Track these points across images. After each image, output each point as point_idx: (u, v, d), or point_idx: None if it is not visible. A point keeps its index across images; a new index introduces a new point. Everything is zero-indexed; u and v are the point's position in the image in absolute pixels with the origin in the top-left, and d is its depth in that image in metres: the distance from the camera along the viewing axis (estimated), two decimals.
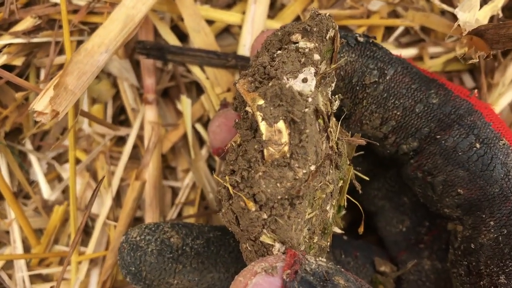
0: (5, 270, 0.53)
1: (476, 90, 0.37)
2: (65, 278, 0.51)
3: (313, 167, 0.29)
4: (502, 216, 0.34)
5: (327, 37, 0.32)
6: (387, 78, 0.36)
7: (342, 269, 0.30)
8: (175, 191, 0.54)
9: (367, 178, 0.39)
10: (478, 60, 0.39)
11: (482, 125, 0.35)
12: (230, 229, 0.31)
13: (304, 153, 0.28)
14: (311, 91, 0.29)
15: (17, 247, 0.51)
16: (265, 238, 0.30)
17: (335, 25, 0.33)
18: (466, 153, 0.35)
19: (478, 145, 0.35)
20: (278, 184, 0.28)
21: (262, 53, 0.32)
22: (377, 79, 0.36)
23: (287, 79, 0.28)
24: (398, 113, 0.36)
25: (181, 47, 0.50)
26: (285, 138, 0.28)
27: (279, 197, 0.29)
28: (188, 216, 0.51)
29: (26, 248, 0.52)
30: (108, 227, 0.51)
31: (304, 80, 0.29)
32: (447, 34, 0.52)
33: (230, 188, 0.29)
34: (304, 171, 0.28)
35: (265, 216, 0.29)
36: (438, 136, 0.36)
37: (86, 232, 0.53)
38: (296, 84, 0.28)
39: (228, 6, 0.54)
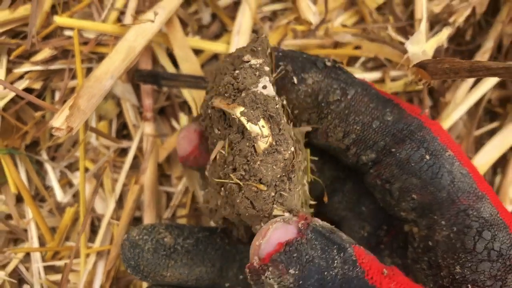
0: (23, 263, 0.59)
1: (426, 110, 0.42)
2: (75, 269, 0.58)
3: (292, 148, 0.36)
4: (450, 216, 0.37)
5: (267, 54, 0.39)
6: (348, 97, 0.39)
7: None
8: (169, 196, 0.60)
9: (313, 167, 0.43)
10: (422, 86, 0.46)
11: (430, 139, 0.38)
12: (247, 214, 0.35)
13: (284, 139, 0.35)
14: (273, 92, 0.36)
15: (34, 243, 0.58)
16: (277, 211, 0.34)
17: (270, 44, 0.40)
18: (417, 163, 0.38)
19: (427, 157, 0.38)
20: (275, 167, 0.34)
21: (221, 77, 0.38)
22: (339, 98, 0.39)
23: (255, 88, 0.35)
24: (358, 128, 0.39)
25: (173, 74, 0.56)
26: (267, 131, 0.35)
27: (278, 176, 0.35)
28: (180, 216, 0.58)
29: (42, 244, 0.59)
30: (112, 226, 0.57)
31: (264, 87, 0.36)
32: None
33: (238, 182, 0.34)
34: (289, 152, 0.35)
35: (273, 194, 0.34)
36: (393, 149, 0.39)
37: (93, 230, 0.59)
38: (263, 90, 0.35)
39: (216, 37, 0.61)
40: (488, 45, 0.60)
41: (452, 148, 0.39)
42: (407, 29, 0.60)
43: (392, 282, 0.33)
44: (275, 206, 0.35)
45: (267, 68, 0.37)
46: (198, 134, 0.44)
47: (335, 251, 0.31)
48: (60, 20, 0.53)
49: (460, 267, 0.36)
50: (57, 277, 0.59)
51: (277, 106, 0.36)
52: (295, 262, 0.30)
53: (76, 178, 0.60)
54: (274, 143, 0.35)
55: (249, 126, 0.34)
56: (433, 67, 0.38)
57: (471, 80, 0.59)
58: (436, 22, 0.60)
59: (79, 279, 0.57)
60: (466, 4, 0.57)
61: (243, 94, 0.35)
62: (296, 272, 0.30)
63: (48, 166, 0.59)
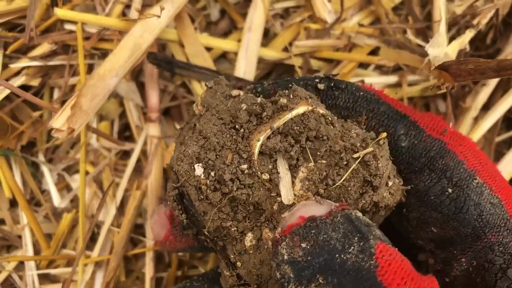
0: (16, 272, 0.56)
1: (451, 123, 0.37)
2: (72, 279, 0.55)
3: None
4: (473, 253, 0.34)
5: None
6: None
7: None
8: None
9: None
10: (446, 90, 0.43)
11: (455, 165, 0.34)
12: None
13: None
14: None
15: (28, 250, 0.55)
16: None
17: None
18: (438, 197, 0.34)
19: (450, 190, 0.34)
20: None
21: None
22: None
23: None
24: None
25: (189, 63, 0.54)
26: None
27: None
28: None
29: (36, 252, 0.56)
30: (112, 233, 0.55)
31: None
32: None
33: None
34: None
35: None
36: (408, 178, 0.35)
37: (92, 238, 0.56)
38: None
39: (225, 34, 0.59)
40: (510, 49, 0.58)
41: (482, 172, 0.35)
42: (424, 31, 0.57)
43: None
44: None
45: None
46: (169, 218, 0.41)
47: (356, 238, 0.30)
48: (61, 12, 0.50)
49: None
50: (52, 286, 0.56)
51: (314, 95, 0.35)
52: (311, 238, 0.30)
53: (74, 181, 0.57)
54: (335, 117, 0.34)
55: (324, 110, 0.33)
56: (457, 68, 0.36)
57: (492, 85, 0.57)
58: (454, 24, 0.58)
59: None
60: (491, 6, 0.54)
61: (284, 100, 0.33)
62: (308, 247, 0.30)
63: (44, 169, 0.57)
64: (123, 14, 0.54)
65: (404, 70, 0.57)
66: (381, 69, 0.58)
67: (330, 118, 0.33)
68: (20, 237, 0.56)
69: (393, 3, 0.59)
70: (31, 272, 0.55)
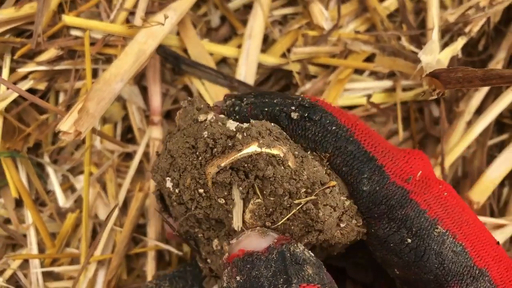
0: (21, 270, 0.57)
1: (420, 173, 0.35)
2: (74, 276, 0.56)
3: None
4: None
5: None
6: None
7: (322, 265, 0.33)
8: None
9: None
10: (437, 96, 0.44)
11: (415, 215, 0.34)
12: (331, 221, 0.34)
13: (296, 147, 0.36)
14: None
15: (33, 249, 0.56)
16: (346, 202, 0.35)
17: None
18: (398, 245, 0.34)
19: (409, 240, 0.34)
20: (315, 168, 0.34)
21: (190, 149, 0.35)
22: None
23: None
24: None
25: (195, 62, 0.56)
26: (285, 148, 0.34)
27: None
28: None
29: (41, 250, 0.57)
30: (115, 233, 0.56)
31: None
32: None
33: (312, 198, 0.33)
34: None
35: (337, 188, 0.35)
36: (368, 223, 0.35)
37: (94, 237, 0.57)
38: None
39: (225, 40, 0.60)
40: (501, 55, 0.60)
41: (446, 220, 0.34)
42: (418, 38, 0.59)
43: None
44: (342, 198, 0.35)
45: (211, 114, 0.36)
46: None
47: (281, 279, 0.31)
48: (69, 19, 0.51)
49: None
50: (56, 284, 0.57)
51: (279, 130, 0.35)
52: (245, 272, 0.31)
53: (79, 182, 0.58)
54: (296, 153, 0.34)
55: (275, 151, 0.33)
56: (446, 76, 0.36)
57: (485, 89, 0.59)
58: (446, 31, 0.59)
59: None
60: (483, 14, 0.56)
61: (240, 136, 0.33)
62: (241, 280, 0.31)
63: (50, 170, 0.58)
64: (127, 21, 0.55)
65: (397, 75, 0.59)
66: (376, 75, 0.60)
67: (282, 158, 0.33)
68: (25, 236, 0.57)
69: (388, 11, 0.60)
70: (36, 270, 0.56)
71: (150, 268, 0.55)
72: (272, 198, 0.34)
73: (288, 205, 0.34)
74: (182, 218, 0.38)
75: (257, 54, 0.57)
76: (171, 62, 0.56)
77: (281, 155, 0.33)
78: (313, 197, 0.33)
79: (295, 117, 0.35)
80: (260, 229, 0.34)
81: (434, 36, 0.54)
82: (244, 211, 0.34)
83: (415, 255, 0.34)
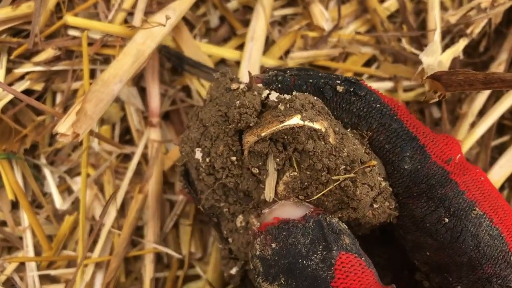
0: (18, 273, 0.56)
1: (459, 156, 0.35)
2: (71, 279, 0.56)
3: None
4: (469, 282, 0.33)
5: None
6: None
7: (355, 240, 0.33)
8: (172, 204, 0.57)
9: None
10: (438, 99, 0.44)
11: (454, 196, 0.33)
12: (368, 199, 0.34)
13: (336, 123, 0.35)
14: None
15: (30, 251, 0.55)
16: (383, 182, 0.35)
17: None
18: (434, 225, 0.34)
19: (447, 219, 0.33)
20: (355, 146, 0.34)
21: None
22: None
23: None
24: None
25: (198, 62, 0.55)
26: (326, 123, 0.34)
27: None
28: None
29: (37, 253, 0.56)
30: (113, 235, 0.55)
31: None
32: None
33: (351, 175, 0.33)
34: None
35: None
36: (405, 203, 0.35)
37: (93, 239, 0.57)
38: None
39: (224, 40, 0.60)
40: (503, 56, 0.59)
41: (484, 203, 0.34)
42: (419, 39, 0.58)
43: None
44: (379, 178, 0.34)
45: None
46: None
47: (321, 246, 0.31)
48: (71, 19, 0.51)
49: None
50: (53, 287, 0.56)
51: (321, 104, 0.35)
52: (280, 239, 0.32)
53: (76, 184, 0.57)
54: (337, 129, 0.34)
55: (317, 125, 0.32)
56: (447, 79, 0.36)
57: (487, 92, 0.58)
58: (447, 33, 0.59)
59: None
60: (484, 15, 0.56)
61: (282, 107, 0.33)
62: (277, 248, 0.32)
63: (46, 171, 0.57)
64: (125, 21, 0.55)
65: (398, 77, 0.58)
66: (376, 77, 0.59)
67: (324, 133, 0.33)
68: (21, 238, 0.56)
69: (389, 11, 0.60)
70: (32, 273, 0.55)
71: (148, 270, 0.55)
72: (308, 172, 0.33)
73: (325, 181, 0.33)
74: (209, 190, 0.38)
75: (259, 56, 0.57)
76: (174, 62, 0.56)
77: (323, 130, 0.33)
78: (352, 174, 0.33)
79: (340, 90, 0.35)
80: (295, 199, 0.34)
81: (436, 37, 0.54)
82: (277, 183, 0.34)
83: (451, 236, 0.33)
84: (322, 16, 0.57)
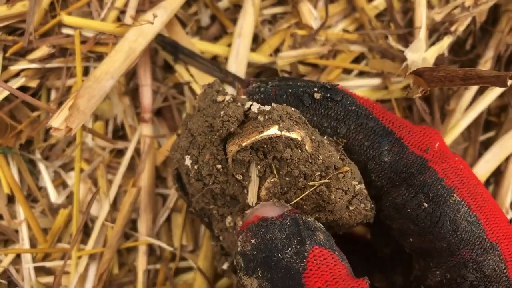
0: (14, 265, 0.57)
1: (438, 144, 0.37)
2: (66, 271, 0.57)
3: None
4: (447, 267, 0.35)
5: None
6: (341, 135, 0.37)
7: (331, 237, 0.35)
8: (165, 198, 0.59)
9: None
10: (420, 94, 0.45)
11: (432, 182, 0.35)
12: (341, 203, 0.36)
13: (314, 131, 0.37)
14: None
15: (25, 244, 0.57)
16: (358, 186, 0.37)
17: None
18: (414, 210, 0.35)
19: (426, 204, 0.35)
20: (330, 153, 0.36)
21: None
22: (330, 136, 0.37)
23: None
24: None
25: (193, 52, 0.57)
26: (303, 132, 0.35)
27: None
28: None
29: (33, 246, 0.57)
30: (106, 228, 0.57)
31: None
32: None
33: (325, 181, 0.35)
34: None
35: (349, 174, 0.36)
36: (388, 192, 0.37)
37: (86, 233, 0.58)
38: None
39: (216, 38, 0.61)
40: (489, 54, 0.60)
41: (462, 190, 0.35)
42: (406, 37, 0.60)
43: None
44: (354, 182, 0.37)
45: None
46: None
47: (295, 241, 0.33)
48: (67, 19, 0.53)
49: None
50: (48, 279, 0.57)
51: (298, 114, 0.37)
52: (259, 235, 0.34)
53: (70, 178, 0.59)
54: (313, 137, 0.36)
55: (294, 134, 0.35)
56: (429, 74, 0.37)
57: (475, 88, 0.59)
58: (434, 31, 0.60)
59: (70, 281, 0.56)
60: (468, 14, 0.57)
61: (261, 118, 0.35)
62: (255, 243, 0.34)
63: (41, 166, 0.58)
64: (118, 19, 0.56)
65: (386, 73, 0.59)
66: (364, 74, 0.61)
67: (300, 142, 0.35)
68: (17, 231, 0.57)
69: (377, 10, 0.61)
70: (28, 265, 0.56)
71: (141, 262, 0.56)
72: (287, 178, 0.36)
73: (302, 186, 0.36)
74: (199, 194, 0.40)
75: (246, 52, 0.58)
76: (170, 51, 0.57)
77: (299, 139, 0.35)
78: (326, 180, 0.35)
79: (318, 97, 0.37)
80: (275, 200, 0.36)
81: (421, 34, 0.55)
82: (259, 188, 0.36)
83: (430, 221, 0.35)
84: (311, 15, 0.59)
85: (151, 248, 0.58)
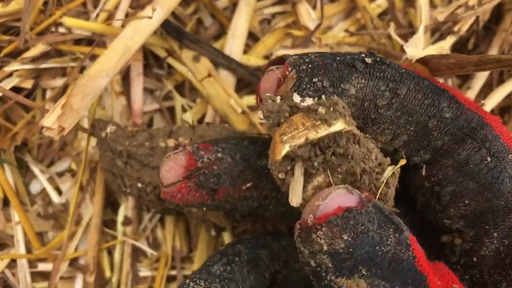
0: (10, 269, 0.56)
1: (483, 102, 0.38)
2: (63, 276, 0.56)
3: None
4: (505, 227, 0.34)
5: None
6: (401, 97, 0.35)
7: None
8: None
9: None
10: None
11: (492, 138, 0.35)
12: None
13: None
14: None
15: (20, 248, 0.56)
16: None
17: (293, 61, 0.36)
18: (477, 165, 0.34)
19: (489, 159, 0.34)
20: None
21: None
22: (389, 100, 0.35)
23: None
24: (411, 129, 0.36)
25: (198, 39, 0.57)
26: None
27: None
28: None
29: (28, 250, 0.57)
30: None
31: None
32: None
33: None
34: None
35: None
36: (451, 149, 0.35)
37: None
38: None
39: (215, 38, 0.60)
40: (492, 53, 0.59)
41: None
42: (408, 36, 0.59)
43: (437, 275, 0.32)
44: None
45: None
46: (185, 167, 0.37)
47: (391, 230, 0.30)
48: (68, 21, 0.53)
49: (507, 285, 0.34)
50: (44, 283, 0.57)
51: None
52: (350, 229, 0.30)
53: (64, 183, 0.58)
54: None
55: (355, 129, 0.33)
56: (437, 62, 0.37)
57: (476, 88, 0.58)
58: (436, 30, 0.59)
59: (66, 286, 0.56)
60: (472, 13, 0.56)
61: (323, 110, 0.32)
62: (349, 239, 0.30)
63: (35, 169, 0.58)
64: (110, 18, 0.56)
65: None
66: None
67: (358, 138, 0.33)
68: (12, 236, 0.57)
69: (381, 8, 0.60)
70: (23, 269, 0.56)
71: (126, 263, 0.56)
72: (340, 176, 0.33)
73: (360, 184, 0.33)
74: None
75: (239, 54, 0.58)
76: (174, 35, 0.57)
77: (359, 134, 0.33)
78: (389, 175, 0.33)
79: (369, 62, 0.35)
80: (344, 186, 0.32)
81: (420, 31, 0.53)
82: (305, 187, 0.33)
83: (491, 176, 0.34)
84: (309, 16, 0.58)
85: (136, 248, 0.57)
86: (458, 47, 0.61)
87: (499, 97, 0.57)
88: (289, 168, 0.33)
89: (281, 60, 0.36)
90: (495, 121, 0.36)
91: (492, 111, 0.59)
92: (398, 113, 0.35)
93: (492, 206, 0.34)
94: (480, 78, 0.59)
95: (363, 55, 0.35)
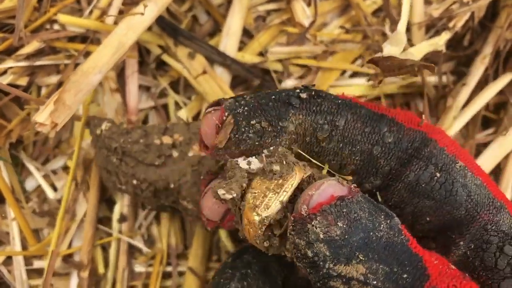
0: (5, 266, 0.56)
1: (424, 116, 0.38)
2: (58, 272, 0.56)
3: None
4: (470, 235, 0.34)
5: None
6: (340, 129, 0.35)
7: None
8: None
9: None
10: (378, 83, 0.42)
11: (438, 152, 0.35)
12: None
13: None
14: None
15: (16, 245, 0.56)
16: None
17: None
18: (428, 184, 0.35)
19: (438, 174, 0.34)
20: None
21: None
22: (329, 133, 0.35)
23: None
24: (357, 158, 0.35)
25: (192, 35, 0.57)
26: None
27: None
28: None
29: (24, 247, 0.57)
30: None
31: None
32: None
33: None
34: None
35: None
36: (399, 172, 0.36)
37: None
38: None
39: (210, 35, 0.61)
40: (487, 50, 0.59)
41: (461, 157, 0.35)
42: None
43: (433, 256, 0.32)
44: None
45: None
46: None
47: (382, 216, 0.31)
48: (64, 18, 0.53)
49: (481, 286, 0.34)
50: (39, 280, 0.57)
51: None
52: (344, 217, 0.31)
53: (59, 180, 0.58)
54: None
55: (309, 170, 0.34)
56: (382, 64, 0.38)
57: (472, 85, 0.58)
58: (432, 27, 0.59)
59: (61, 282, 0.56)
60: (466, 9, 0.56)
61: (278, 168, 0.33)
62: (344, 226, 0.30)
63: (31, 166, 0.58)
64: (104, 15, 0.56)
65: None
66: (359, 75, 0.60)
67: (313, 175, 0.34)
68: (8, 233, 0.57)
69: (376, 5, 0.60)
70: (19, 266, 0.56)
71: (121, 261, 0.56)
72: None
73: None
74: None
75: (234, 52, 0.58)
76: (169, 32, 0.57)
77: (312, 172, 0.34)
78: None
79: (304, 97, 0.35)
80: (335, 178, 0.33)
81: (400, 27, 0.52)
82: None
83: (445, 190, 0.34)
84: (304, 13, 0.58)
85: (131, 246, 0.57)
86: (454, 43, 0.61)
87: (491, 93, 0.57)
88: (269, 233, 0.33)
89: (218, 103, 0.36)
90: (439, 133, 0.36)
91: (486, 108, 0.59)
92: (341, 145, 0.35)
93: (454, 217, 0.35)
94: (476, 75, 0.59)
95: (298, 91, 0.35)
